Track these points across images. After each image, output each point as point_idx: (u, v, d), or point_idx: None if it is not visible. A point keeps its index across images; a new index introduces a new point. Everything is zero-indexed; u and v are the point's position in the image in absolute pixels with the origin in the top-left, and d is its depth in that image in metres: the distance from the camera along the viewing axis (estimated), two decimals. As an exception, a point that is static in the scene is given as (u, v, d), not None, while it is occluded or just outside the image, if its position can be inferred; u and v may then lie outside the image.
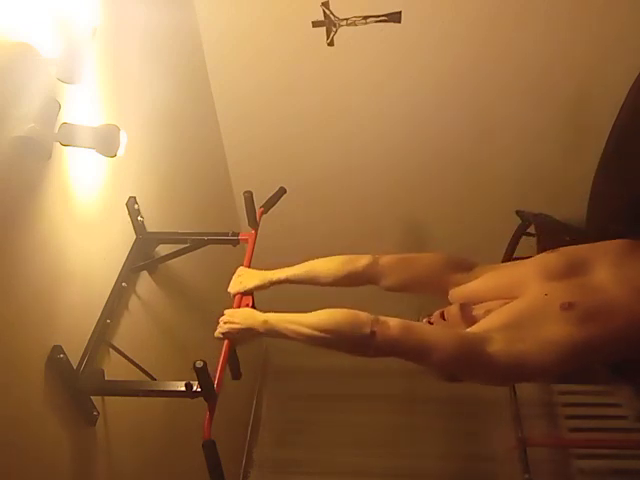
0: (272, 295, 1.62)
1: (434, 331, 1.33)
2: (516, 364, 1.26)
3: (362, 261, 1.49)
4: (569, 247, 1.44)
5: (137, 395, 1.39)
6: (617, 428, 2.69)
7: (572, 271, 1.36)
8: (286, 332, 1.34)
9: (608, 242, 1.43)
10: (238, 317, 1.39)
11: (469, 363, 1.29)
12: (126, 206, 1.56)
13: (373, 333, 1.23)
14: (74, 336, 1.32)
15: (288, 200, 1.78)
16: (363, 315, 1.27)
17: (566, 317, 1.28)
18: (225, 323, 1.40)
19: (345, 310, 1.30)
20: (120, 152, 1.20)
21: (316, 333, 1.28)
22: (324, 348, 1.30)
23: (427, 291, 1.55)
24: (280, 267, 1.56)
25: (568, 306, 1.29)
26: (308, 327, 1.30)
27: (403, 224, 2.73)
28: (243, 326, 1.37)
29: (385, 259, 1.50)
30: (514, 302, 1.36)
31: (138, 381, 1.44)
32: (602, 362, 1.42)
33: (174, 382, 1.30)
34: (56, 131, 1.15)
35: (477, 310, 1.41)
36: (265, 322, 1.37)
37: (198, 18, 2.10)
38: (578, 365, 1.36)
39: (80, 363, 1.33)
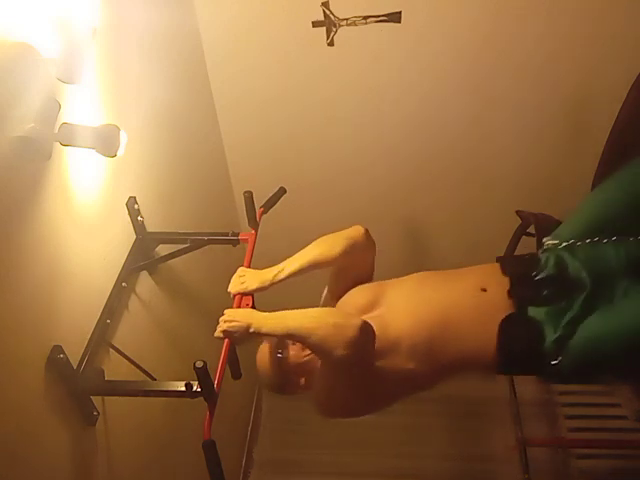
0: (273, 295, 1.62)
1: None
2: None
3: (361, 231, 1.53)
4: (378, 282, 1.54)
5: (137, 395, 1.40)
6: (617, 428, 2.69)
7: (373, 305, 1.46)
8: (285, 330, 1.35)
9: (407, 276, 1.54)
10: (238, 317, 1.39)
11: None
12: (126, 206, 1.56)
13: (361, 322, 1.29)
14: (74, 336, 1.32)
15: (288, 200, 1.78)
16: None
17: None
18: (225, 322, 1.40)
19: None
20: (120, 152, 1.20)
21: (311, 319, 1.33)
22: (317, 342, 1.30)
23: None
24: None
25: None
26: (305, 316, 1.35)
27: (403, 224, 2.73)
28: (243, 325, 1.37)
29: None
30: None
31: (138, 381, 1.44)
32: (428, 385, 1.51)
33: (174, 382, 1.31)
34: (56, 131, 1.15)
35: None
36: (265, 322, 1.38)
37: (198, 18, 2.10)
38: (407, 391, 1.46)
39: (80, 363, 1.33)
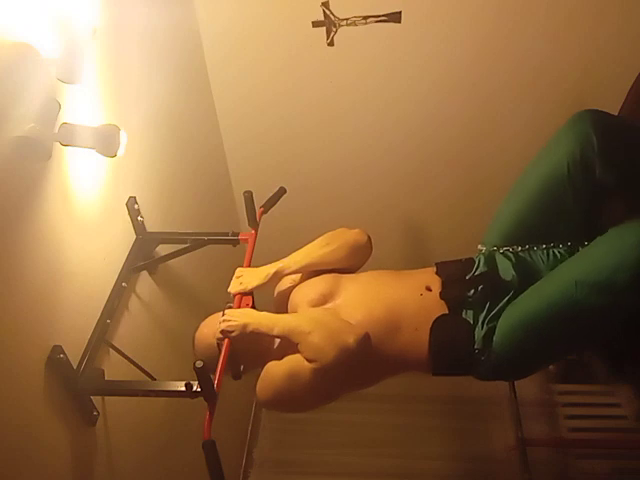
0: (271, 294, 1.63)
1: None
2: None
3: (365, 238, 1.56)
4: (334, 274, 1.53)
5: (137, 395, 1.40)
6: (617, 428, 2.69)
7: (328, 297, 1.47)
8: (285, 331, 1.35)
9: (363, 272, 1.56)
10: (236, 316, 1.40)
11: None
12: (126, 206, 1.56)
13: (364, 333, 1.32)
14: (74, 336, 1.32)
15: (288, 200, 1.78)
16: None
17: None
18: (224, 322, 1.40)
19: None
20: (120, 152, 1.20)
21: (311, 321, 1.35)
22: (313, 344, 1.31)
23: None
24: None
25: None
26: (305, 318, 1.37)
27: (403, 223, 2.73)
28: (241, 325, 1.37)
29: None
30: None
31: (138, 381, 1.44)
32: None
33: (174, 382, 1.31)
34: (56, 131, 1.15)
35: None
36: (263, 321, 1.38)
37: (198, 18, 2.10)
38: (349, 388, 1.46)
39: (80, 363, 1.33)
